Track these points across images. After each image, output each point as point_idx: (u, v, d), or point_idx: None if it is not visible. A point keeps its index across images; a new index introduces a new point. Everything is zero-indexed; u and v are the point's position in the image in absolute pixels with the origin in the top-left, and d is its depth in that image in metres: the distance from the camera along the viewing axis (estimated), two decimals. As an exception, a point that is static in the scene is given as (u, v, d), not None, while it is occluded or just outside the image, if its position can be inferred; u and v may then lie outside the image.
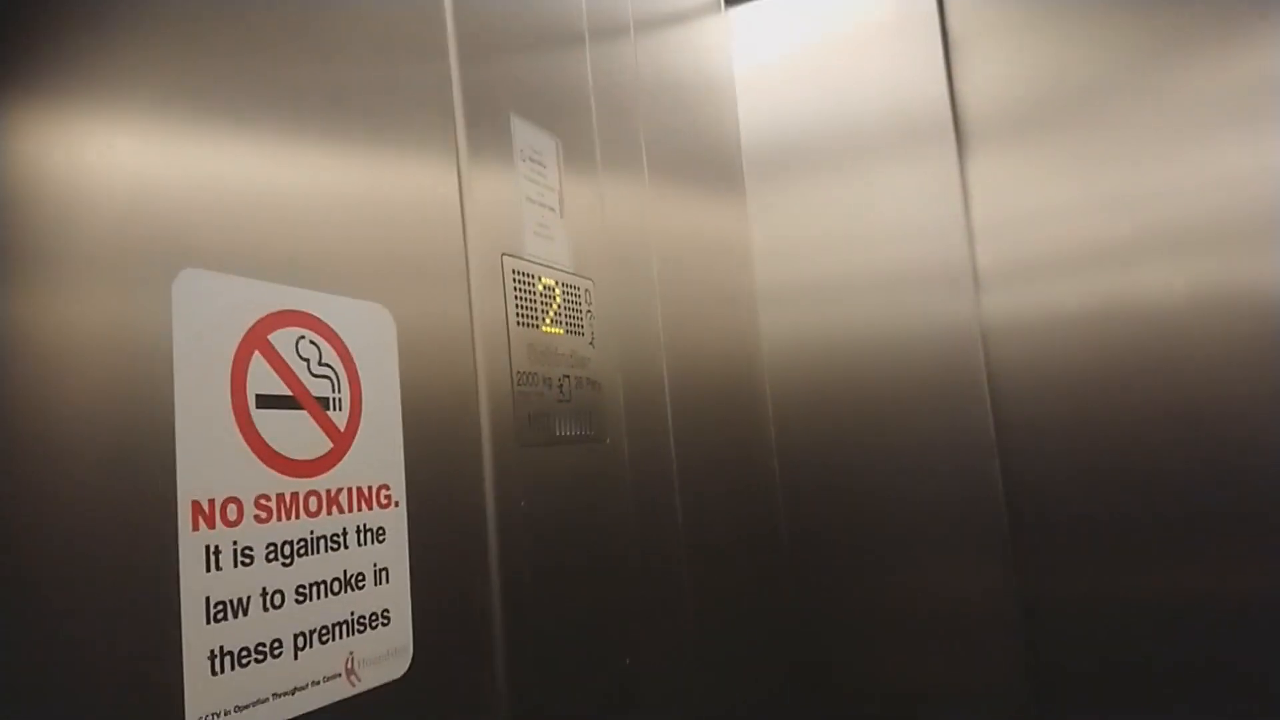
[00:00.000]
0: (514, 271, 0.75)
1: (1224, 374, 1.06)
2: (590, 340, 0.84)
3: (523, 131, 0.78)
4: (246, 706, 0.48)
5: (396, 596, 0.58)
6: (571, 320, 0.82)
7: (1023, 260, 1.18)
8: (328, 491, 0.54)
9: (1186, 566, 1.08)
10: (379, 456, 0.58)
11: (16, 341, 0.41)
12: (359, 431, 0.57)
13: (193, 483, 0.47)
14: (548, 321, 0.78)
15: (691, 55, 1.22)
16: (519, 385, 0.73)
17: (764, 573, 1.20)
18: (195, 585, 0.46)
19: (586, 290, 0.85)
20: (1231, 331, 1.06)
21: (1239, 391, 1.05)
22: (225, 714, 0.47)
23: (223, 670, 0.47)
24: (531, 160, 0.78)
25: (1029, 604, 1.13)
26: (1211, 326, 1.07)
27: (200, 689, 0.45)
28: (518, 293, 0.75)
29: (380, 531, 0.58)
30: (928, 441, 1.18)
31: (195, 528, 0.47)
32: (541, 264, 0.79)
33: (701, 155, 1.21)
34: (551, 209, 0.80)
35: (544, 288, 0.78)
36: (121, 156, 0.46)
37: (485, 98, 0.75)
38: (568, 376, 0.79)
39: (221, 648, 0.47)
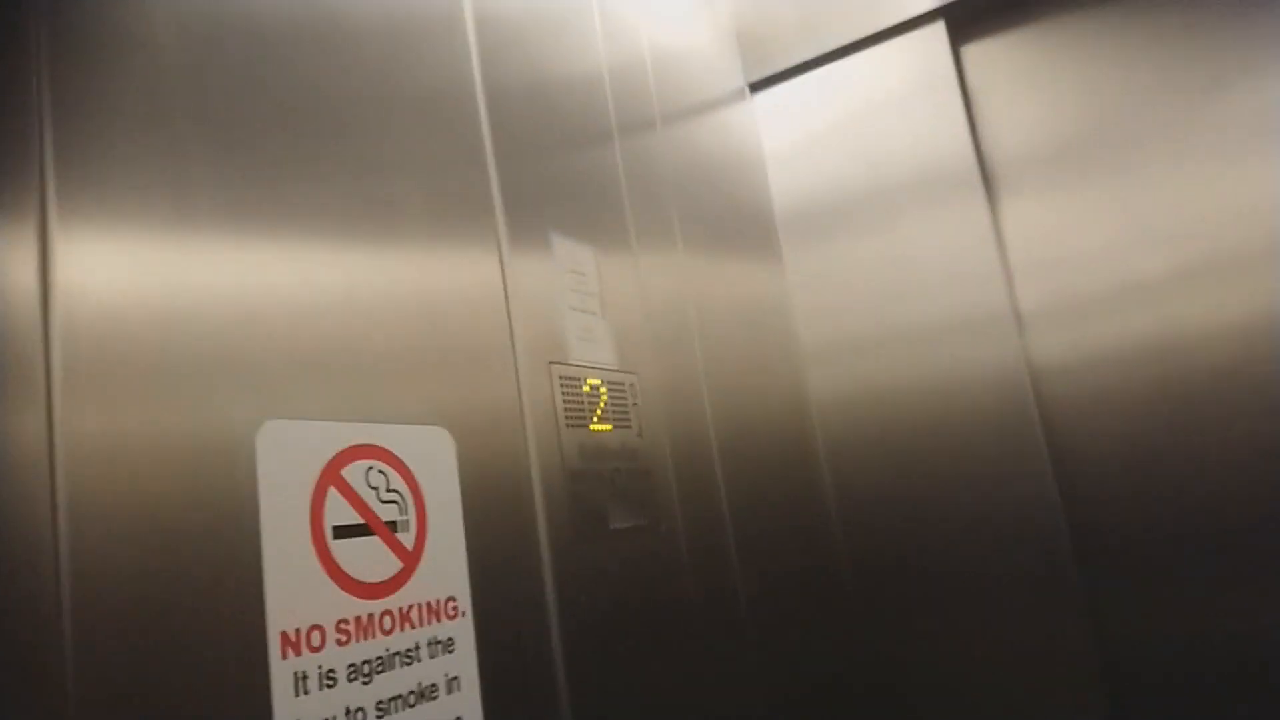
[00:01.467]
0: (561, 378, 0.79)
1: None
2: (638, 432, 0.88)
3: (563, 248, 0.84)
4: (337, 820, 0.52)
5: (468, 702, 0.62)
6: (618, 415, 0.86)
7: (1064, 300, 1.19)
8: (400, 609, 0.59)
9: (1264, 597, 1.05)
10: (445, 570, 0.63)
11: (121, 493, 0.47)
12: (425, 549, 0.62)
13: (280, 615, 0.52)
14: (595, 420, 0.82)
15: (720, 139, 1.27)
16: (572, 485, 0.77)
17: (831, 637, 1.20)
18: (286, 710, 0.51)
19: (631, 384, 0.89)
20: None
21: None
22: (318, 829, 0.51)
23: (314, 785, 0.51)
24: (572, 272, 0.83)
25: (1103, 644, 1.11)
26: (1265, 352, 1.06)
27: (295, 807, 0.50)
28: (565, 397, 0.79)
29: (450, 642, 0.62)
30: (988, 487, 1.18)
31: (284, 656, 0.51)
32: (586, 366, 0.83)
33: (736, 229, 1.25)
34: (593, 314, 0.85)
35: (590, 388, 0.82)
36: (209, 299, 0.53)
37: (526, 217, 0.81)
38: (618, 470, 0.83)
39: (312, 765, 0.51)
